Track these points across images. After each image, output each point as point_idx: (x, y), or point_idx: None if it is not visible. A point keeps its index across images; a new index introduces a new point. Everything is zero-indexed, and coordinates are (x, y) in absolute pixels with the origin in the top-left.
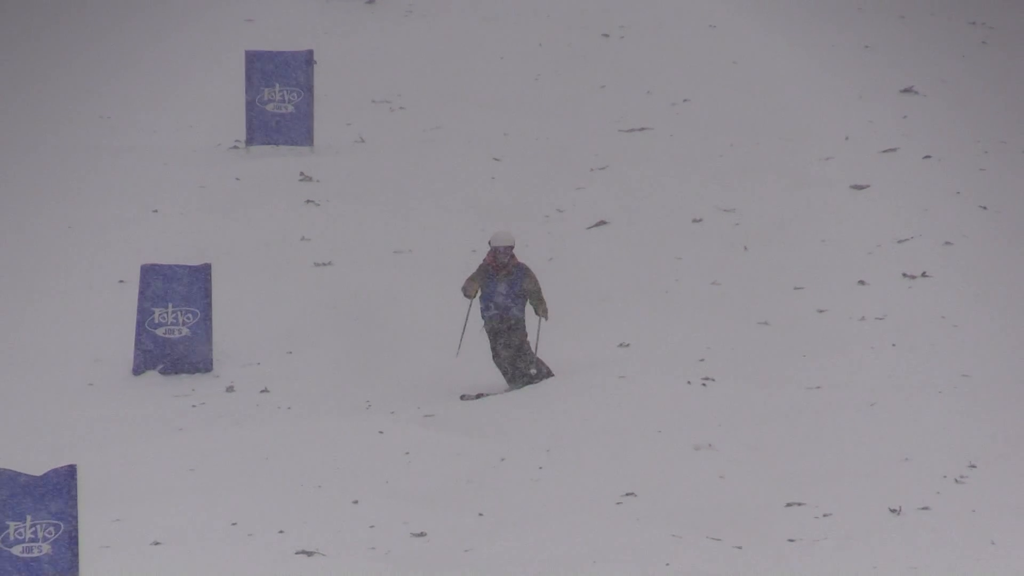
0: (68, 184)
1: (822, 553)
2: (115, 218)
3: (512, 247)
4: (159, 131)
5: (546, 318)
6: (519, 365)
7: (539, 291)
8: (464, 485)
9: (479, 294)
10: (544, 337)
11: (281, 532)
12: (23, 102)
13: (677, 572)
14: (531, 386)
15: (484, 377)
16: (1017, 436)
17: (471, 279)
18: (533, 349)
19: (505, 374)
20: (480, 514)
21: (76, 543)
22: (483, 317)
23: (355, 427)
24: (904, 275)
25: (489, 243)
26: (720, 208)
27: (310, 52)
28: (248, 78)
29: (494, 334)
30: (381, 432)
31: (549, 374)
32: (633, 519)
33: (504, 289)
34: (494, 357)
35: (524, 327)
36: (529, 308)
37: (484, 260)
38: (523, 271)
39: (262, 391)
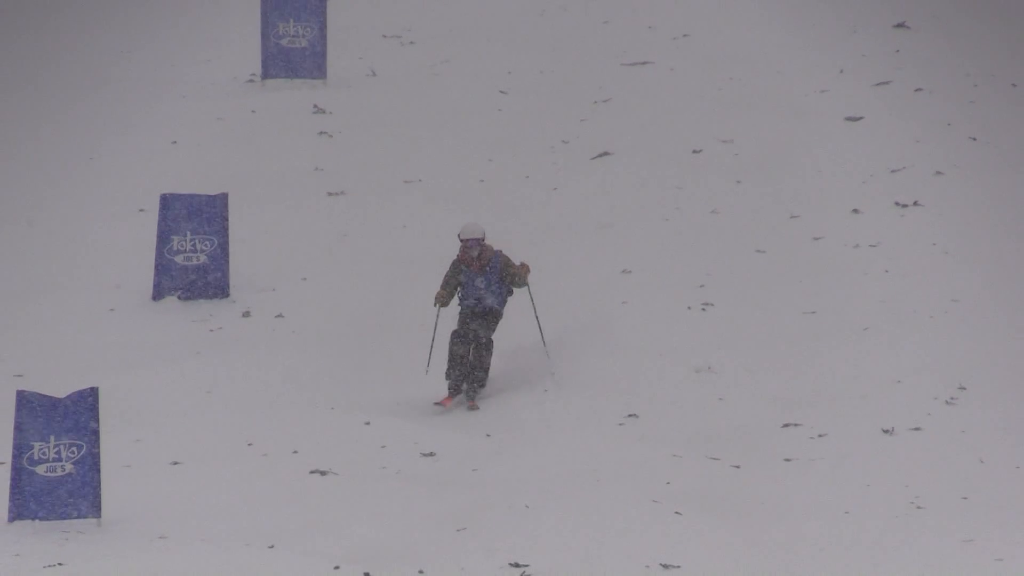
0: (90, 116)
1: (817, 472)
2: (135, 149)
3: (481, 239)
4: (177, 65)
5: (523, 280)
6: (478, 371)
7: (514, 265)
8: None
9: (458, 292)
10: (549, 264)
11: (295, 452)
12: (48, 36)
13: (677, 490)
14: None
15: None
16: (1005, 359)
17: (445, 285)
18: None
19: (460, 364)
20: (487, 435)
21: (98, 463)
22: (460, 304)
23: (368, 351)
24: (896, 204)
25: (458, 236)
26: (719, 139)
27: None
28: (263, 13)
29: (468, 317)
30: (392, 356)
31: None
32: (635, 439)
33: (482, 283)
34: (453, 337)
35: (498, 318)
36: (510, 301)
37: (457, 256)
38: (498, 259)
39: (277, 316)
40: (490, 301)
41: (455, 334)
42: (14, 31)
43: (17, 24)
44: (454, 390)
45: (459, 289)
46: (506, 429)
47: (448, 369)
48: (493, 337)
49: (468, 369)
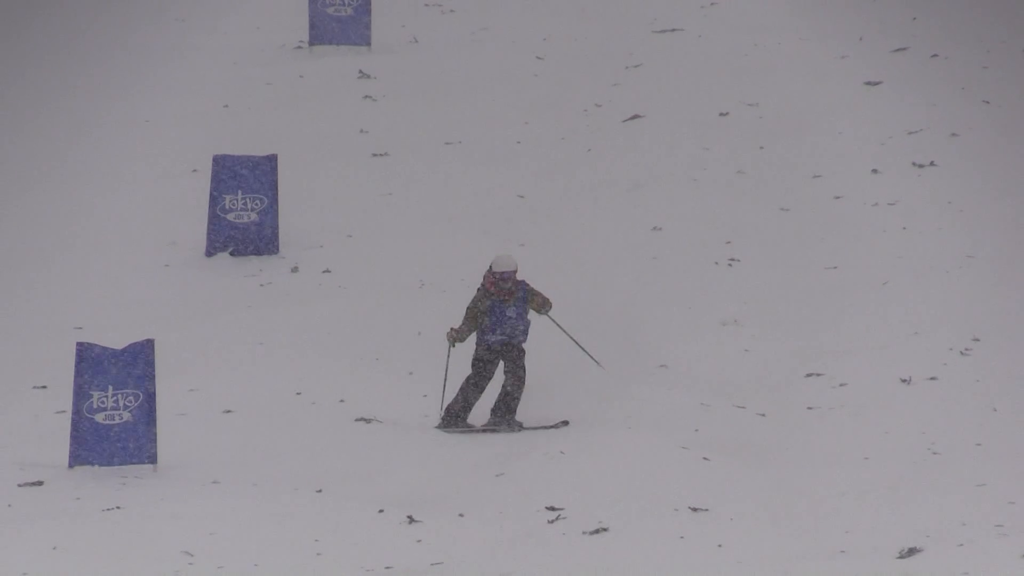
0: (147, 81)
1: (838, 420)
2: (190, 112)
3: (515, 272)
4: (229, 33)
5: (549, 308)
6: (511, 403)
7: (539, 294)
8: None
9: (483, 323)
10: (583, 221)
11: (342, 401)
12: (110, 5)
13: (705, 437)
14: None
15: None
16: (1018, 311)
17: (471, 313)
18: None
19: (468, 408)
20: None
21: (154, 411)
22: (480, 341)
23: (410, 305)
24: (914, 164)
25: (490, 268)
26: (744, 103)
27: None
28: None
29: (489, 364)
30: (434, 310)
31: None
32: (665, 388)
33: (513, 313)
34: (467, 384)
35: (523, 354)
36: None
37: (483, 284)
38: (525, 290)
39: (324, 272)
40: (519, 335)
41: (473, 382)
42: (81, 1)
43: None
44: (451, 421)
45: (482, 323)
46: (539, 378)
47: (452, 409)
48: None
49: (500, 398)
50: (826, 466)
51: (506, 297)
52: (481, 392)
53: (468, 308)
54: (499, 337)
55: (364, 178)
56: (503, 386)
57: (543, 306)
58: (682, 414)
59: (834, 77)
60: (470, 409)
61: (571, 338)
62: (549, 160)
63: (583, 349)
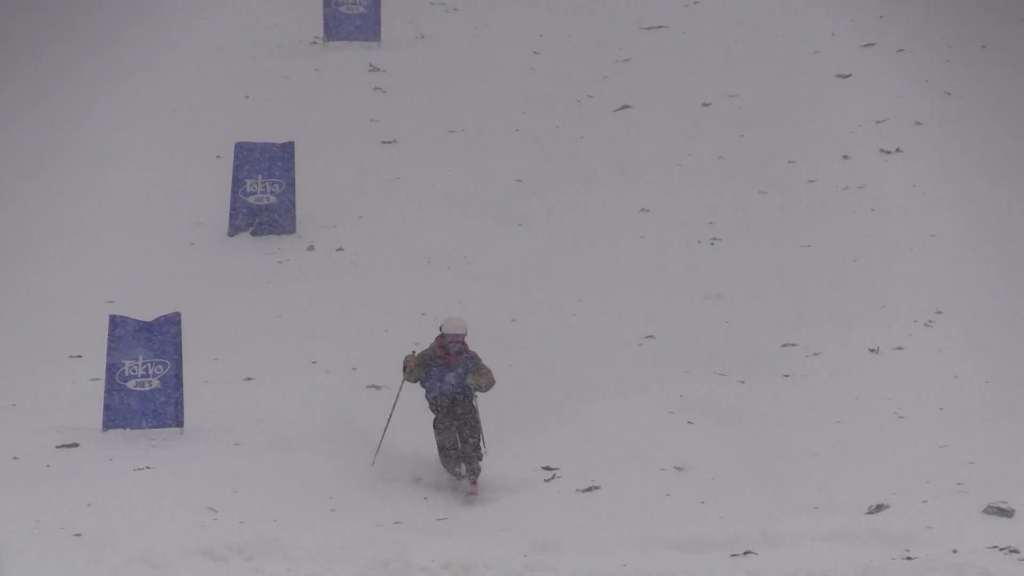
0: (172, 73)
1: (812, 386)
2: (214, 103)
3: (464, 335)
4: (249, 29)
5: (486, 386)
6: (472, 451)
7: (484, 370)
8: (508, 325)
9: (422, 379)
10: (576, 203)
11: (354, 369)
12: (148, 8)
13: (689, 402)
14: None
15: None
16: (977, 286)
17: (416, 364)
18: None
19: (450, 450)
20: (523, 349)
21: (180, 379)
22: (427, 398)
23: (417, 281)
24: (881, 150)
25: (440, 329)
26: (726, 94)
27: None
28: None
29: (444, 408)
30: (437, 285)
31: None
32: (652, 357)
33: (452, 379)
34: (436, 426)
35: (477, 415)
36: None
37: (432, 348)
38: (472, 360)
39: (338, 250)
40: (462, 402)
41: (438, 423)
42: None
43: None
44: (458, 475)
45: (426, 378)
46: (538, 345)
47: (442, 460)
48: (475, 404)
49: (461, 453)
50: (800, 429)
51: (448, 359)
52: (448, 429)
53: (419, 355)
54: (434, 394)
55: (374, 163)
56: (461, 440)
57: (483, 384)
58: (667, 381)
59: (808, 70)
60: (456, 447)
61: (479, 426)
62: (544, 146)
63: (482, 441)
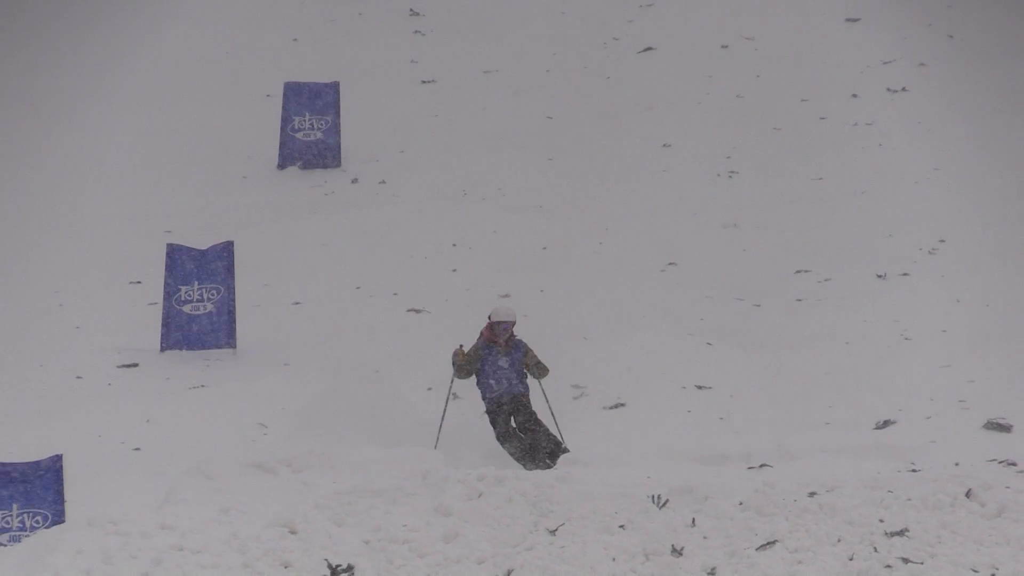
0: (226, 17)
1: (823, 310)
2: (263, 45)
3: (513, 323)
4: None
5: (545, 374)
6: (544, 445)
7: (536, 359)
8: (539, 253)
9: (475, 373)
10: (603, 139)
11: (395, 294)
12: None
13: (709, 325)
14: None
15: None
16: (978, 216)
17: (468, 358)
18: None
19: (525, 456)
20: (553, 275)
21: (233, 303)
22: (484, 399)
23: (455, 212)
24: (888, 90)
25: (489, 317)
26: (743, 37)
27: None
28: None
29: (504, 415)
30: (474, 216)
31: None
32: (674, 283)
33: (506, 363)
34: (502, 439)
35: (530, 403)
36: (533, 382)
37: (482, 334)
38: (520, 347)
39: (380, 183)
40: (517, 386)
41: (501, 436)
42: None
43: None
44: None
45: (480, 372)
46: (567, 272)
47: (524, 466)
48: (533, 410)
49: (538, 453)
50: (812, 350)
51: (499, 344)
52: (515, 436)
53: (472, 347)
54: (495, 393)
55: (414, 102)
56: (535, 446)
57: (539, 368)
58: (689, 305)
59: (820, 14)
60: (524, 447)
61: (550, 412)
62: (573, 86)
63: (557, 428)
